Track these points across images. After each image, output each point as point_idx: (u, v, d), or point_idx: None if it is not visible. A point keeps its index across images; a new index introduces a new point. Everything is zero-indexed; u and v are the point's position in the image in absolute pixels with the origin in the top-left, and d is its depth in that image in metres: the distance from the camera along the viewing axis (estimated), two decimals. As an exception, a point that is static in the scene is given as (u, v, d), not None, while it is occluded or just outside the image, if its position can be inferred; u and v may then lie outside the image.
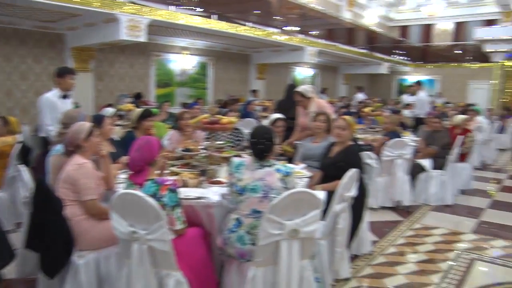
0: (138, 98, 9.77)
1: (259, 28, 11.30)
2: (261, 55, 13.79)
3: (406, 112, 10.05)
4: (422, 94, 10.22)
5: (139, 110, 4.76)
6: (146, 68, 11.21)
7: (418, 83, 10.62)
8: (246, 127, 6.37)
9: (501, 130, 11.45)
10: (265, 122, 6.51)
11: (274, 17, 12.61)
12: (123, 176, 3.37)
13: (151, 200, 2.35)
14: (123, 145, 4.09)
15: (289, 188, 2.70)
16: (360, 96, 15.42)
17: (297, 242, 2.53)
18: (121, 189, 2.78)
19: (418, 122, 9.14)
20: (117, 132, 5.05)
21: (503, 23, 18.04)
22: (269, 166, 2.81)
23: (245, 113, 9.36)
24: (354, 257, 3.81)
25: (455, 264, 3.91)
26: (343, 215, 3.19)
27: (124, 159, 3.60)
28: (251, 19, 11.54)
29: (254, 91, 13.16)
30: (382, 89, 20.13)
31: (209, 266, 2.80)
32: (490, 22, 18.62)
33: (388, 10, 20.99)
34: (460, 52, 19.04)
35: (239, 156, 3.57)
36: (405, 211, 5.47)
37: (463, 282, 3.55)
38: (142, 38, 8.16)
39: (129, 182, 2.66)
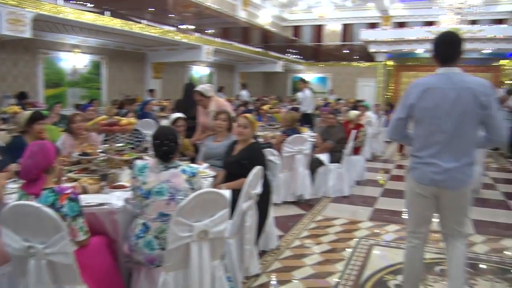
0: (22, 99, 9.00)
1: (154, 26, 11.03)
2: (157, 54, 13.48)
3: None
4: (307, 92, 10.67)
5: (27, 113, 4.37)
6: (32, 67, 10.36)
7: (303, 80, 11.09)
8: (145, 127, 6.20)
9: (387, 123, 12.37)
10: (165, 122, 6.40)
11: (169, 15, 12.40)
12: (13, 186, 3.07)
13: (49, 211, 2.16)
14: (10, 151, 3.74)
15: (196, 189, 2.67)
16: (244, 94, 15.68)
17: (207, 243, 2.50)
18: (12, 200, 2.53)
19: (305, 118, 9.53)
20: (1, 137, 4.62)
21: (383, 26, 19.69)
22: (174, 167, 2.75)
23: (142, 114, 9.10)
24: (262, 253, 3.87)
25: (356, 251, 4.15)
26: (250, 212, 3.23)
27: (13, 167, 3.29)
28: (146, 16, 11.23)
29: (151, 91, 12.84)
30: (278, 87, 20.80)
31: (115, 276, 2.65)
32: (372, 25, 20.21)
33: (281, 10, 21.71)
34: (348, 51, 20.37)
35: (141, 158, 3.46)
36: (306, 204, 5.68)
37: (364, 267, 3.78)
38: (27, 33, 7.54)
39: (22, 193, 2.42)
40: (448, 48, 2.67)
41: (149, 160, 3.01)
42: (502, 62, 17.50)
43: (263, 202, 3.64)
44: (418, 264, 2.88)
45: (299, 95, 12.46)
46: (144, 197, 2.66)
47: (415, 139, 2.77)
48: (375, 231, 4.79)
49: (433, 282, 3.51)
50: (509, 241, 4.56)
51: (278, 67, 18.20)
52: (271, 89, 20.35)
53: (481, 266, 3.90)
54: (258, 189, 3.33)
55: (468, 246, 3.74)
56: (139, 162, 2.84)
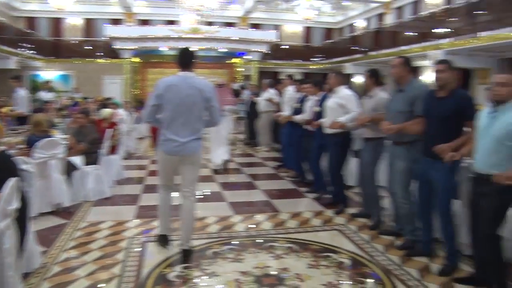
0: None
1: None
2: None
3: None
4: (22, 91, 9.83)
5: None
6: None
7: (16, 77, 10.23)
8: None
9: (138, 120, 12.43)
10: None
11: None
12: None
13: None
14: None
15: None
16: None
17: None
18: None
19: (20, 121, 8.63)
20: None
21: (127, 23, 19.64)
22: None
23: None
24: (25, 276, 3.39)
25: (129, 251, 4.08)
26: (9, 232, 2.82)
27: None
28: None
29: None
30: (13, 86, 18.36)
31: None
32: (116, 21, 19.92)
33: (11, -2, 19.14)
34: (91, 48, 19.47)
35: None
36: (66, 212, 5.27)
37: (141, 265, 3.76)
38: None
39: None
40: (184, 58, 3.91)
41: None
42: (234, 60, 19.60)
43: (21, 218, 3.23)
44: (167, 206, 4.10)
45: (43, 94, 11.41)
46: None
47: (163, 121, 3.85)
48: (143, 228, 4.79)
49: (207, 266, 3.75)
50: (261, 216, 5.29)
51: (12, 63, 16.09)
52: (5, 88, 17.83)
53: (243, 242, 4.39)
54: (16, 204, 2.93)
55: (229, 227, 4.89)
56: None
